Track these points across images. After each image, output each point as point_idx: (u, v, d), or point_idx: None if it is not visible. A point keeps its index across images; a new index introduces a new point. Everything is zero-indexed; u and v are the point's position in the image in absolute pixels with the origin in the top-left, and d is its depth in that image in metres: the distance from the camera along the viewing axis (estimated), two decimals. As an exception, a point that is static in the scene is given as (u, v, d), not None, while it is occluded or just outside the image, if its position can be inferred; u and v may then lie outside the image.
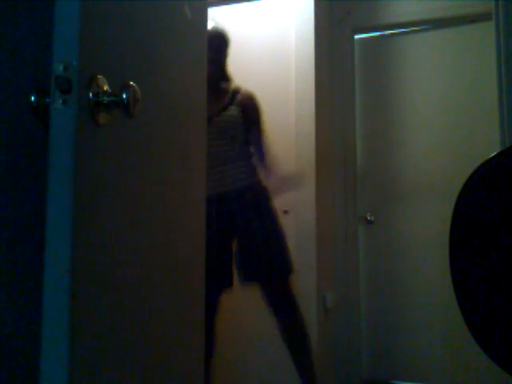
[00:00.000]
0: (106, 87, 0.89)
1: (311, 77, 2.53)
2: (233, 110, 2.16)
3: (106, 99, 0.88)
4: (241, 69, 2.66)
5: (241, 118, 2.17)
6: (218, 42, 2.22)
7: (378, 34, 3.06)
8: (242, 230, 2.12)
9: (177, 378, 1.24)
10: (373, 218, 2.94)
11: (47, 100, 0.85)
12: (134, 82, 0.92)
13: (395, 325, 2.82)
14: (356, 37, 3.04)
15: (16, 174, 0.99)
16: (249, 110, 2.21)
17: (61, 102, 0.81)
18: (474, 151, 2.63)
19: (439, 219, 2.64)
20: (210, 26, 2.17)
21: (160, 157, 1.18)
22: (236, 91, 2.22)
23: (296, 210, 2.47)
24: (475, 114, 2.79)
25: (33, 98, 0.93)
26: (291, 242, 2.47)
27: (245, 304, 2.53)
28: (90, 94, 0.85)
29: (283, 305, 2.14)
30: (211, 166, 2.09)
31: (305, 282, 2.42)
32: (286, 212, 2.50)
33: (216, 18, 2.33)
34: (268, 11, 2.68)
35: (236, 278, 2.15)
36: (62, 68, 0.81)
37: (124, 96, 0.88)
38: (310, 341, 2.14)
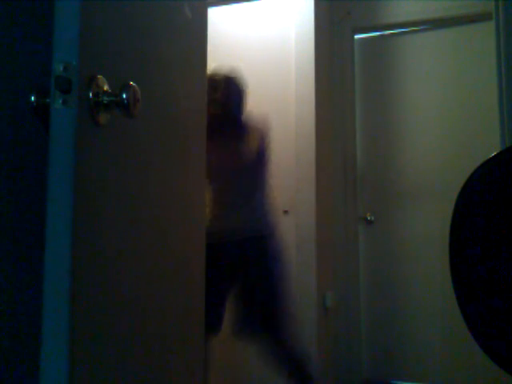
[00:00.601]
0: (106, 87, 0.89)
1: (311, 77, 2.53)
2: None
3: (106, 99, 0.88)
4: (241, 69, 2.66)
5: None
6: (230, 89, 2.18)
7: (378, 33, 3.06)
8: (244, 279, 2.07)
9: (177, 377, 1.24)
10: (373, 218, 2.94)
11: (47, 100, 0.85)
12: (133, 82, 0.92)
13: (395, 325, 2.82)
14: (356, 37, 3.04)
15: (16, 174, 0.99)
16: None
17: (61, 102, 0.81)
18: (474, 151, 2.63)
19: (439, 219, 2.64)
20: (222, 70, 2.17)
21: (160, 157, 1.18)
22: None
23: (296, 210, 2.47)
24: (475, 114, 2.79)
25: (33, 98, 0.93)
26: (291, 242, 2.47)
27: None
28: (90, 94, 0.85)
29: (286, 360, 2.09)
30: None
31: (305, 281, 2.42)
32: (285, 212, 2.50)
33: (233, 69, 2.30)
34: (268, 11, 2.68)
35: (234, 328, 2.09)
36: (62, 68, 0.81)
37: (124, 96, 0.88)
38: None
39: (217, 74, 2.18)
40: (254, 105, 2.63)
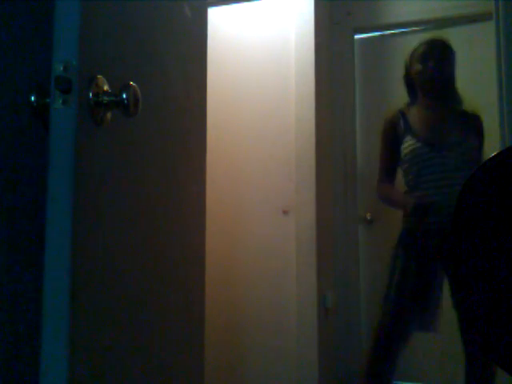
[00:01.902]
0: (106, 87, 0.89)
1: (311, 77, 2.53)
2: (474, 141, 1.97)
3: (105, 99, 0.88)
4: (241, 69, 2.66)
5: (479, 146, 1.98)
6: (444, 51, 2.06)
7: (378, 33, 3.05)
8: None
9: (177, 377, 1.24)
10: (373, 218, 2.93)
11: (47, 100, 0.85)
12: (133, 82, 0.92)
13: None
14: (356, 37, 3.04)
15: (16, 174, 0.99)
16: (473, 135, 2.00)
17: (61, 102, 0.81)
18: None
19: (439, 219, 2.63)
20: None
21: (160, 156, 1.18)
22: (475, 117, 2.04)
23: (296, 210, 2.47)
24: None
25: (33, 98, 0.93)
26: (291, 242, 2.47)
27: (245, 303, 2.53)
28: (90, 94, 0.85)
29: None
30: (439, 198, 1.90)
31: (305, 281, 2.42)
32: (285, 212, 2.50)
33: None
34: (268, 11, 2.68)
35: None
36: (62, 68, 0.81)
37: (124, 96, 0.88)
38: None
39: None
40: (254, 105, 2.63)
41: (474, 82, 2.80)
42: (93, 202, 0.89)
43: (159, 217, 1.16)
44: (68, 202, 0.80)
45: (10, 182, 0.98)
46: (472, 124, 1.98)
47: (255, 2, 2.70)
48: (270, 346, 2.47)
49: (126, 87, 0.89)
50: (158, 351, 1.14)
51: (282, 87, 2.60)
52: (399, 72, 3.00)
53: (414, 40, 2.97)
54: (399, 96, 2.97)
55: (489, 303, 1.14)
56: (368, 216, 2.94)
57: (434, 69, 1.99)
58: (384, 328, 1.97)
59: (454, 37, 2.88)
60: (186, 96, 1.34)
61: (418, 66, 2.03)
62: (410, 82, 2.07)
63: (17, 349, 0.97)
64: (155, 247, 1.14)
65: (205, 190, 1.47)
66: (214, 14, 2.51)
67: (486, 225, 1.16)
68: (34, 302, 0.95)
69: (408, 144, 1.95)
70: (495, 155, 1.17)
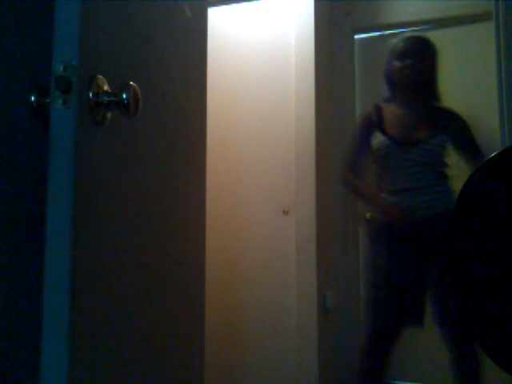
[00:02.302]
0: (106, 87, 0.89)
1: (311, 77, 2.53)
2: (440, 136, 1.96)
3: (106, 99, 0.88)
4: (241, 69, 2.66)
5: (448, 143, 1.98)
6: (424, 49, 2.04)
7: (378, 33, 3.05)
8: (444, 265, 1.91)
9: (177, 376, 1.24)
10: (373, 218, 2.93)
11: (47, 100, 0.85)
12: (133, 82, 0.92)
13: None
14: (356, 37, 3.04)
15: (16, 174, 0.99)
16: (455, 131, 1.99)
17: (61, 102, 0.81)
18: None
19: (439, 219, 2.63)
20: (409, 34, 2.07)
21: (160, 157, 1.18)
22: (445, 112, 2.03)
23: (296, 210, 2.47)
24: (475, 114, 2.78)
25: (33, 98, 0.93)
26: (291, 242, 2.47)
27: (245, 303, 2.53)
28: (90, 94, 0.85)
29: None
30: (407, 192, 1.92)
31: (305, 281, 2.42)
32: (285, 212, 2.50)
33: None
34: (268, 11, 2.68)
35: (429, 319, 1.97)
36: (62, 68, 0.81)
37: (124, 96, 0.88)
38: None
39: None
40: (254, 104, 2.63)
41: (474, 82, 2.80)
42: (93, 202, 0.89)
43: (159, 216, 1.16)
44: (68, 202, 0.80)
45: (9, 182, 0.98)
46: (443, 121, 1.98)
47: (255, 1, 2.70)
48: (269, 346, 2.47)
49: (126, 87, 0.89)
50: (158, 351, 1.14)
51: (282, 87, 2.60)
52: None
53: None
54: (399, 96, 2.97)
55: (489, 304, 1.14)
56: (368, 216, 2.94)
57: (412, 67, 1.99)
58: (372, 326, 1.98)
59: (454, 37, 2.89)
60: (185, 96, 1.34)
61: (396, 64, 2.02)
62: (389, 78, 2.08)
63: (17, 349, 0.97)
64: (155, 247, 1.14)
65: (205, 189, 1.47)
66: (214, 14, 2.51)
67: (486, 224, 1.16)
68: (34, 301, 0.95)
69: (376, 140, 1.96)
70: (495, 155, 1.17)
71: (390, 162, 1.96)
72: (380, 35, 3.06)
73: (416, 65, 1.98)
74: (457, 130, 1.98)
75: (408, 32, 2.97)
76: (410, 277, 1.90)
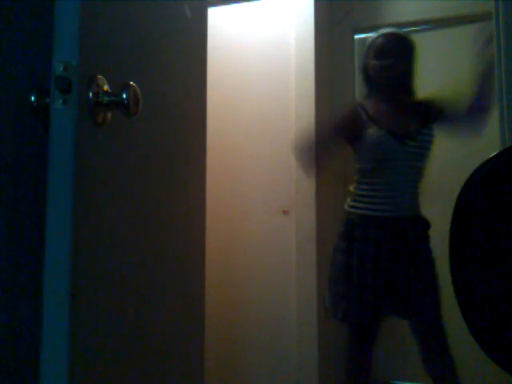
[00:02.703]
0: (106, 87, 0.89)
1: (311, 77, 2.53)
2: (427, 133, 2.00)
3: (106, 99, 0.88)
4: (241, 69, 2.66)
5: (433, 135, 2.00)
6: (401, 47, 2.01)
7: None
8: (413, 260, 1.94)
9: (177, 376, 1.24)
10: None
11: (47, 100, 0.85)
12: (133, 82, 0.92)
13: (395, 325, 2.82)
14: (356, 37, 3.04)
15: (16, 174, 0.99)
16: (432, 115, 2.01)
17: (61, 102, 0.81)
18: (474, 151, 2.63)
19: (439, 219, 2.63)
20: (387, 31, 2.03)
21: (160, 157, 1.18)
22: (422, 104, 2.03)
23: (296, 210, 2.47)
24: (475, 114, 2.78)
25: (33, 98, 0.93)
26: (291, 242, 2.47)
27: (245, 303, 2.53)
28: (90, 94, 0.85)
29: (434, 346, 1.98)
30: (396, 188, 1.93)
31: (305, 281, 2.42)
32: (285, 212, 2.50)
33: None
34: (268, 11, 2.68)
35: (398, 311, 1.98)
36: (62, 68, 0.81)
37: (124, 96, 0.88)
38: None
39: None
40: (254, 104, 2.63)
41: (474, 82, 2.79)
42: (93, 202, 0.89)
43: (159, 216, 1.16)
44: (68, 202, 0.80)
45: (9, 182, 0.98)
46: (425, 113, 2.00)
47: (255, 1, 2.70)
48: (270, 346, 2.47)
49: (126, 87, 0.89)
50: (158, 350, 1.14)
51: (282, 87, 2.60)
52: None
53: (414, 40, 2.98)
54: (399, 96, 2.97)
55: (489, 303, 1.14)
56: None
57: (390, 67, 1.97)
58: (350, 324, 2.00)
59: (454, 37, 2.89)
60: (185, 96, 1.34)
61: (374, 62, 2.00)
62: (367, 75, 2.07)
63: (17, 348, 0.97)
64: (155, 247, 1.14)
65: (205, 189, 1.47)
66: (214, 14, 2.51)
67: (486, 225, 1.16)
68: (34, 301, 0.95)
69: (372, 132, 1.96)
70: (495, 155, 1.17)
71: (387, 156, 1.95)
72: (380, 35, 3.05)
73: (394, 64, 1.97)
74: (441, 111, 2.01)
75: (408, 32, 2.97)
76: (381, 275, 1.90)
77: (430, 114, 2.00)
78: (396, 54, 1.98)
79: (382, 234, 1.92)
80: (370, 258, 1.91)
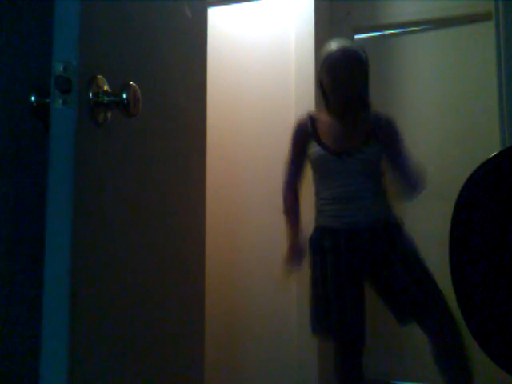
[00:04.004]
0: (106, 87, 0.89)
1: (311, 77, 2.53)
2: (375, 145, 1.95)
3: (106, 99, 0.88)
4: (241, 69, 2.66)
5: (382, 150, 1.96)
6: (351, 64, 1.98)
7: (378, 33, 3.05)
8: (380, 269, 1.90)
9: (177, 376, 1.24)
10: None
11: (47, 100, 0.85)
12: (133, 82, 0.92)
13: (395, 324, 2.82)
14: (356, 37, 3.04)
15: (16, 173, 0.99)
16: (388, 137, 1.97)
17: (61, 102, 0.81)
18: (474, 151, 2.63)
19: (439, 219, 2.63)
20: (339, 45, 2.01)
21: (160, 157, 1.18)
22: (376, 118, 2.00)
23: (296, 210, 2.47)
24: (475, 114, 2.79)
25: (33, 98, 0.93)
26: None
27: (245, 303, 2.53)
28: (90, 94, 0.85)
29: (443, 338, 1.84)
30: (345, 201, 1.91)
31: (305, 281, 2.42)
32: (285, 212, 2.49)
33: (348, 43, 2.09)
34: (268, 11, 2.68)
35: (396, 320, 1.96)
36: (61, 68, 0.81)
37: (124, 96, 0.88)
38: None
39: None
40: (254, 104, 2.63)
41: (474, 82, 2.80)
42: (93, 202, 0.89)
43: (159, 216, 1.16)
44: (68, 202, 0.80)
45: (9, 181, 0.98)
46: (376, 129, 1.97)
47: (255, 1, 2.70)
48: (270, 346, 2.47)
49: (126, 87, 0.89)
50: (158, 350, 1.14)
51: (282, 87, 2.60)
52: (399, 72, 3.01)
53: (414, 40, 2.98)
54: (398, 95, 2.97)
55: (488, 303, 1.14)
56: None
57: (342, 84, 1.97)
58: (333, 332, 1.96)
59: (454, 37, 2.89)
60: (186, 96, 1.34)
61: (328, 79, 2.01)
62: (322, 89, 2.07)
63: (17, 349, 0.97)
64: (155, 247, 1.14)
65: (205, 189, 1.47)
66: (214, 14, 2.51)
67: (486, 224, 1.16)
68: (34, 301, 0.95)
69: (312, 150, 1.98)
70: (495, 155, 1.17)
71: (327, 172, 1.97)
72: (380, 35, 3.06)
73: (347, 81, 1.96)
74: (386, 134, 1.96)
75: (408, 32, 2.98)
76: (342, 289, 1.89)
77: (378, 130, 1.96)
78: (349, 71, 1.96)
79: (335, 246, 1.92)
80: (328, 272, 1.91)
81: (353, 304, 1.89)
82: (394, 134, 1.98)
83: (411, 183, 1.95)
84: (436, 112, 2.90)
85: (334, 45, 2.03)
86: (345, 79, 1.97)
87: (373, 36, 3.07)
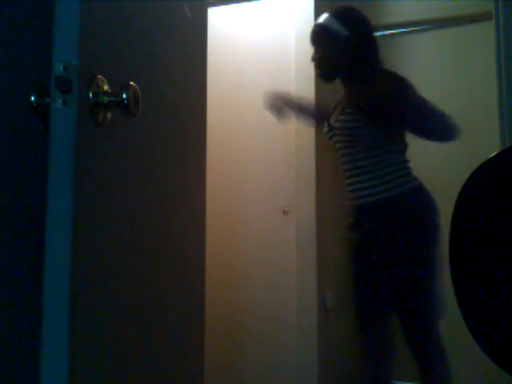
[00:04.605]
0: (106, 87, 0.89)
1: (311, 77, 2.52)
2: (350, 114, 1.83)
3: (106, 99, 0.88)
4: (241, 69, 2.66)
5: (370, 117, 1.78)
6: (323, 38, 1.94)
7: (378, 34, 3.05)
8: (378, 252, 1.80)
9: (177, 376, 1.24)
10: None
11: (47, 100, 0.85)
12: (133, 82, 0.92)
13: (395, 324, 2.82)
14: (356, 37, 3.04)
15: (16, 174, 0.99)
16: (388, 101, 1.79)
17: (61, 102, 0.81)
18: (474, 151, 2.63)
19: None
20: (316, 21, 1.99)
21: (160, 157, 1.18)
22: (370, 85, 1.84)
23: (296, 210, 2.47)
24: (475, 114, 2.79)
25: (33, 98, 0.93)
26: (291, 242, 2.47)
27: (245, 303, 2.53)
28: (90, 94, 0.85)
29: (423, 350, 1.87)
30: (346, 177, 1.88)
31: (305, 282, 2.42)
32: (285, 212, 2.50)
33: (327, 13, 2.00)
34: (268, 11, 2.68)
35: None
36: (61, 68, 0.81)
37: (124, 96, 0.88)
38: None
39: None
40: (254, 104, 2.63)
41: (474, 82, 2.80)
42: (93, 202, 0.89)
43: (159, 216, 1.16)
44: (68, 202, 0.80)
45: (9, 182, 0.98)
46: (368, 95, 1.83)
47: (255, 1, 2.70)
48: (270, 346, 2.47)
49: (126, 87, 0.89)
50: (158, 350, 1.14)
51: (282, 87, 2.60)
52: (399, 72, 2.99)
53: (414, 40, 2.98)
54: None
55: (488, 303, 1.14)
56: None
57: (316, 59, 2.00)
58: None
59: (454, 37, 2.89)
60: (185, 96, 1.34)
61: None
62: None
63: (17, 349, 0.97)
64: (155, 247, 1.14)
65: (205, 189, 1.47)
66: (214, 14, 2.51)
67: (486, 225, 1.16)
68: (34, 302, 0.95)
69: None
70: (495, 155, 1.17)
71: (334, 146, 1.99)
72: (380, 35, 3.06)
73: (319, 57, 1.97)
74: (383, 99, 1.80)
75: (408, 32, 2.97)
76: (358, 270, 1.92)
77: (374, 96, 1.80)
78: (319, 46, 1.97)
79: (352, 222, 1.92)
80: (349, 247, 1.96)
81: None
82: (393, 94, 1.81)
83: (440, 136, 1.88)
84: (436, 112, 2.89)
85: (316, 21, 2.05)
86: (315, 57, 1.99)
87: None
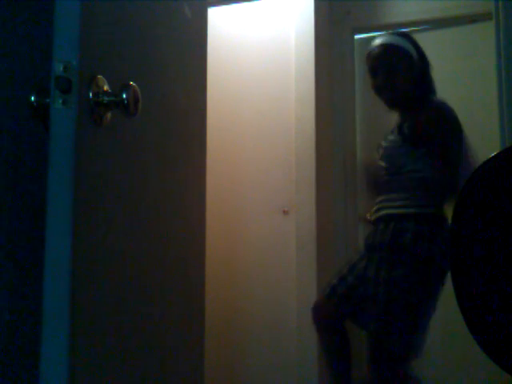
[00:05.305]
0: (106, 87, 0.89)
1: (311, 77, 2.53)
2: (395, 136, 1.80)
3: (106, 99, 0.88)
4: (241, 69, 2.66)
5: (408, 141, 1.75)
6: (395, 62, 1.81)
7: (378, 34, 3.05)
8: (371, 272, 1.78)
9: (177, 377, 1.24)
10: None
11: (47, 100, 0.85)
12: (133, 82, 0.92)
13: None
14: (356, 37, 3.04)
15: (16, 174, 0.99)
16: (435, 135, 1.77)
17: (61, 102, 0.81)
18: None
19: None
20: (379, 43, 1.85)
21: (160, 156, 1.18)
22: (427, 113, 1.82)
23: (296, 210, 2.47)
24: (475, 114, 2.78)
25: (33, 98, 0.93)
26: (291, 242, 2.47)
27: (245, 303, 2.53)
28: (90, 94, 0.85)
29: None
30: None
31: (305, 282, 2.42)
32: (285, 212, 2.50)
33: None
34: (268, 11, 2.67)
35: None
36: (61, 68, 0.81)
37: (124, 96, 0.88)
38: None
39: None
40: (254, 105, 2.63)
41: (474, 82, 2.80)
42: (93, 202, 0.89)
43: (159, 216, 1.16)
44: (68, 202, 0.80)
45: (10, 182, 0.98)
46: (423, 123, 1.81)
47: (255, 1, 2.70)
48: (270, 346, 2.47)
49: (126, 87, 0.89)
50: (158, 351, 1.14)
51: (281, 87, 2.60)
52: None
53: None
54: (399, 96, 2.97)
55: (489, 303, 1.14)
56: (368, 216, 2.94)
57: (384, 85, 1.84)
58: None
59: (454, 37, 2.89)
60: (185, 96, 1.34)
61: (371, 80, 1.91)
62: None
63: (17, 348, 0.97)
64: (155, 247, 1.14)
65: (205, 189, 1.47)
66: (214, 14, 2.51)
67: (486, 225, 1.16)
68: (34, 301, 0.95)
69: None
70: (495, 155, 1.17)
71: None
72: (380, 35, 3.06)
73: (387, 82, 1.82)
74: (433, 132, 1.76)
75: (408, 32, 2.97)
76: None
77: (426, 126, 1.79)
78: (389, 70, 1.81)
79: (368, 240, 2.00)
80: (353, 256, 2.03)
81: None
82: (440, 133, 1.78)
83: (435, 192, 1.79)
84: (436, 112, 2.89)
85: (375, 41, 1.89)
86: (382, 79, 1.82)
87: (373, 36, 3.07)
